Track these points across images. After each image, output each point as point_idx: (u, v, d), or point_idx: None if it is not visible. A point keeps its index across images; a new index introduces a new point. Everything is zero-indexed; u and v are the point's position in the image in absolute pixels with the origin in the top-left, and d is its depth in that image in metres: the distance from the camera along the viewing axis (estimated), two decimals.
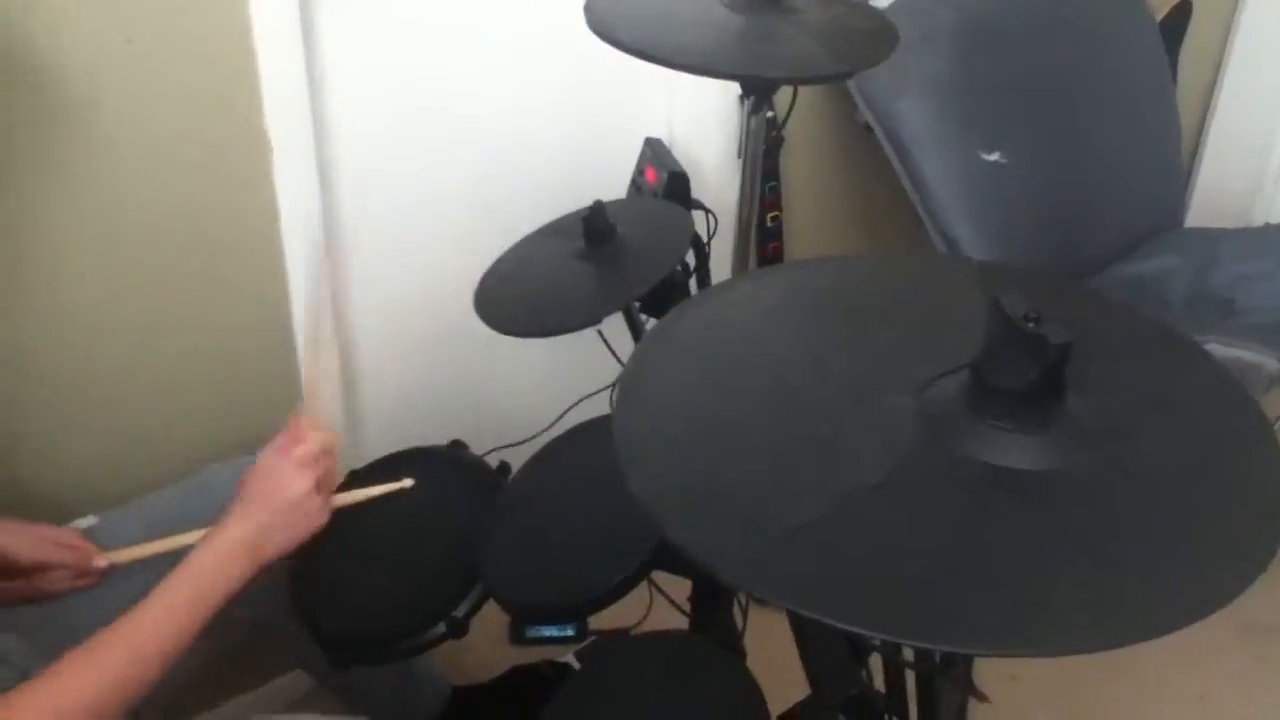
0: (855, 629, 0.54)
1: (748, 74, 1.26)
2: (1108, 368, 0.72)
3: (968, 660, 0.75)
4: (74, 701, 0.96)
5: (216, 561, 1.09)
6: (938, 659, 0.76)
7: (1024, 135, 2.09)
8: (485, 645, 1.88)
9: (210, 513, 1.19)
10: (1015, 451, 0.65)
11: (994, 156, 2.04)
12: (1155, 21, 2.40)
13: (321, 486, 1.19)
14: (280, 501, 1.15)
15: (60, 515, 1.32)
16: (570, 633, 1.93)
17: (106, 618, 1.11)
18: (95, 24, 1.32)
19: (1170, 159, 2.36)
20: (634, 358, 0.79)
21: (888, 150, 2.01)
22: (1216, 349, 1.66)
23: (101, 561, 1.26)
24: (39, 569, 1.23)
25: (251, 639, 1.38)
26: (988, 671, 1.78)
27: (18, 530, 1.23)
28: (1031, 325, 0.63)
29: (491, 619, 1.90)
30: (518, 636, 1.94)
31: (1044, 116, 2.14)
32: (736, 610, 1.50)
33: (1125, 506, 0.63)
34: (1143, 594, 0.58)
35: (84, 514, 1.34)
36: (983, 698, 0.80)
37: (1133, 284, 2.17)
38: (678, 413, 0.73)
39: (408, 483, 1.38)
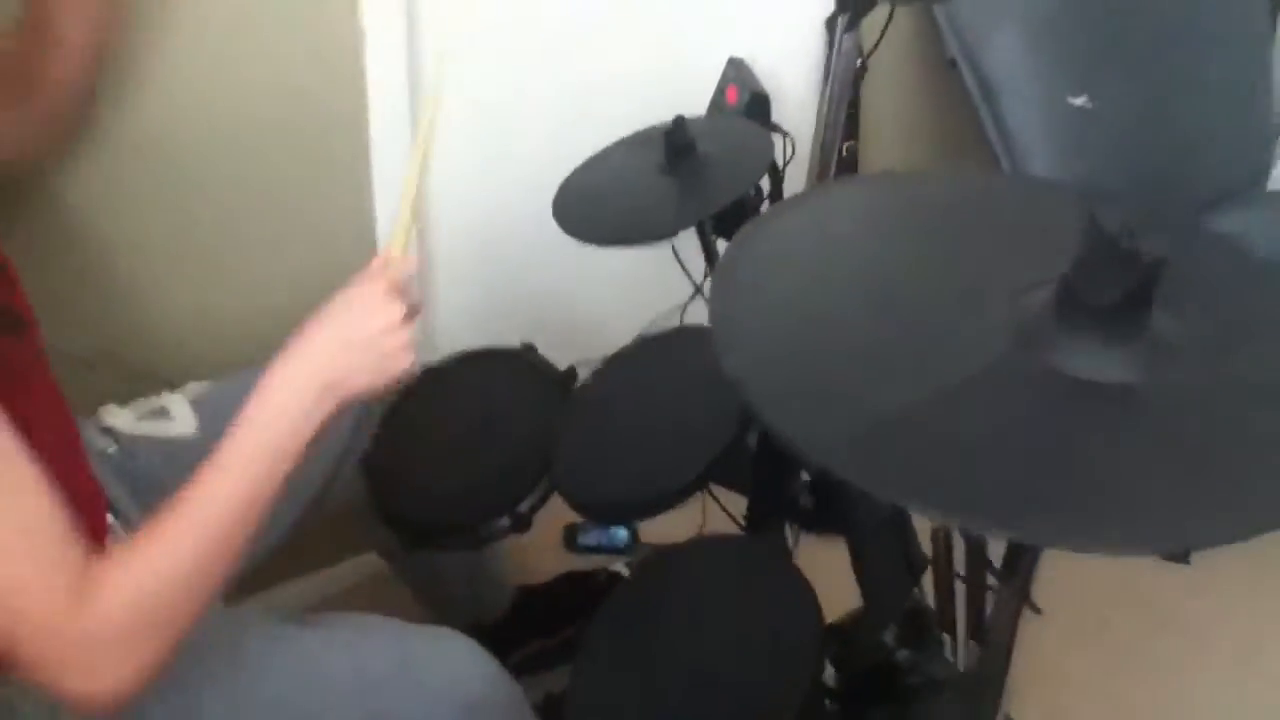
0: (940, 516, 0.56)
1: None
2: (1199, 293, 0.73)
3: (1028, 571, 0.77)
4: (149, 576, 0.88)
5: (294, 409, 0.97)
6: (996, 569, 0.79)
7: (1113, 80, 2.05)
8: (541, 551, 1.94)
9: None
10: (1100, 363, 0.66)
11: (1080, 100, 2.01)
12: None
13: (407, 319, 1.04)
14: (369, 329, 1.01)
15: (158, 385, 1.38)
16: (622, 544, 1.98)
17: None
18: None
19: (1261, 117, 2.31)
20: (731, 247, 0.81)
21: (971, 88, 1.99)
22: None
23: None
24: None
25: (328, 521, 1.43)
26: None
27: None
28: (1126, 241, 0.65)
29: (549, 527, 1.97)
30: (571, 545, 2.00)
31: (1135, 62, 2.10)
32: (788, 533, 1.53)
33: (1206, 419, 0.65)
34: (1224, 498, 0.59)
35: (184, 383, 1.39)
36: (1037, 609, 0.82)
37: (1216, 235, 2.14)
38: (772, 302, 0.75)
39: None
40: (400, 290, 1.04)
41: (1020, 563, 0.76)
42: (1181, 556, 2.06)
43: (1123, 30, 2.07)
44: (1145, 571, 2.04)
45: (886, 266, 0.79)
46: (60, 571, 0.83)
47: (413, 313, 1.04)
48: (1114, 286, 0.65)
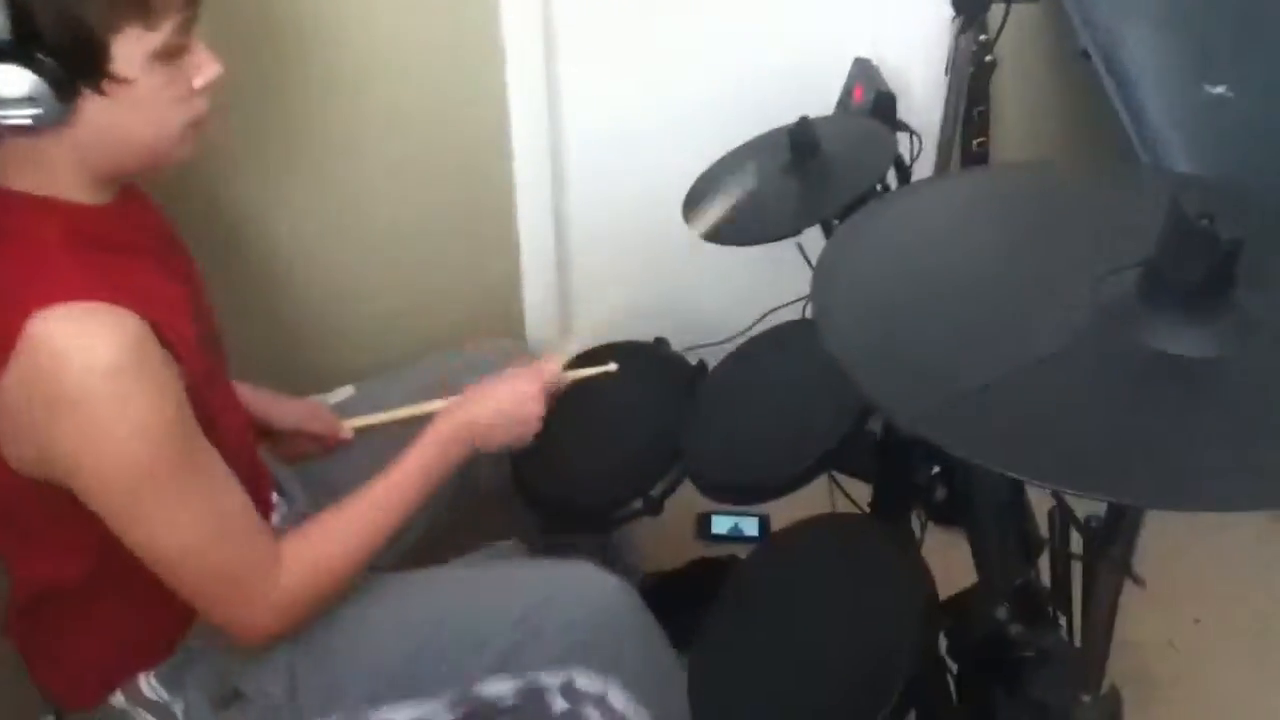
0: (1024, 477, 0.61)
1: None
2: None
3: (1128, 542, 0.81)
4: (323, 558, 1.12)
5: (445, 441, 1.26)
6: (1098, 539, 0.82)
7: (1254, 69, 1.99)
8: (674, 541, 2.01)
9: (459, 384, 1.37)
10: (1182, 339, 0.70)
11: (1220, 90, 1.97)
12: None
13: (542, 415, 1.37)
14: (511, 404, 1.33)
15: (321, 385, 1.52)
16: (753, 531, 2.04)
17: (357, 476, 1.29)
18: None
19: None
20: (834, 238, 0.87)
21: (1104, 78, 1.97)
22: None
23: (347, 432, 1.45)
24: (294, 435, 1.42)
25: (478, 505, 1.54)
26: (1172, 614, 1.78)
27: (273, 401, 1.42)
28: (1205, 223, 0.68)
29: (682, 516, 2.04)
30: (704, 533, 2.06)
31: (1276, 51, 2.04)
32: (915, 524, 1.57)
33: None
34: None
35: (342, 384, 1.54)
36: (1140, 581, 0.85)
37: None
38: (872, 286, 0.81)
39: (612, 367, 1.51)
40: (550, 391, 1.39)
41: (1117, 533, 0.80)
42: None
43: (1262, 17, 2.02)
44: None
45: (980, 254, 0.84)
46: (256, 549, 1.08)
47: (548, 407, 1.38)
48: (1195, 267, 0.69)
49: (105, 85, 0.93)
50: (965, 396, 0.68)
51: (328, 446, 1.45)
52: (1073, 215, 0.87)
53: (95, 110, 0.94)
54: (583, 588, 1.23)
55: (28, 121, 0.90)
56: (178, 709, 1.14)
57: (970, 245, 0.85)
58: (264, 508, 1.24)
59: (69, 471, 0.96)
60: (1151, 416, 0.68)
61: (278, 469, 1.35)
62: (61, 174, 0.99)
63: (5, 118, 0.90)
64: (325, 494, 1.34)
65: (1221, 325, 0.71)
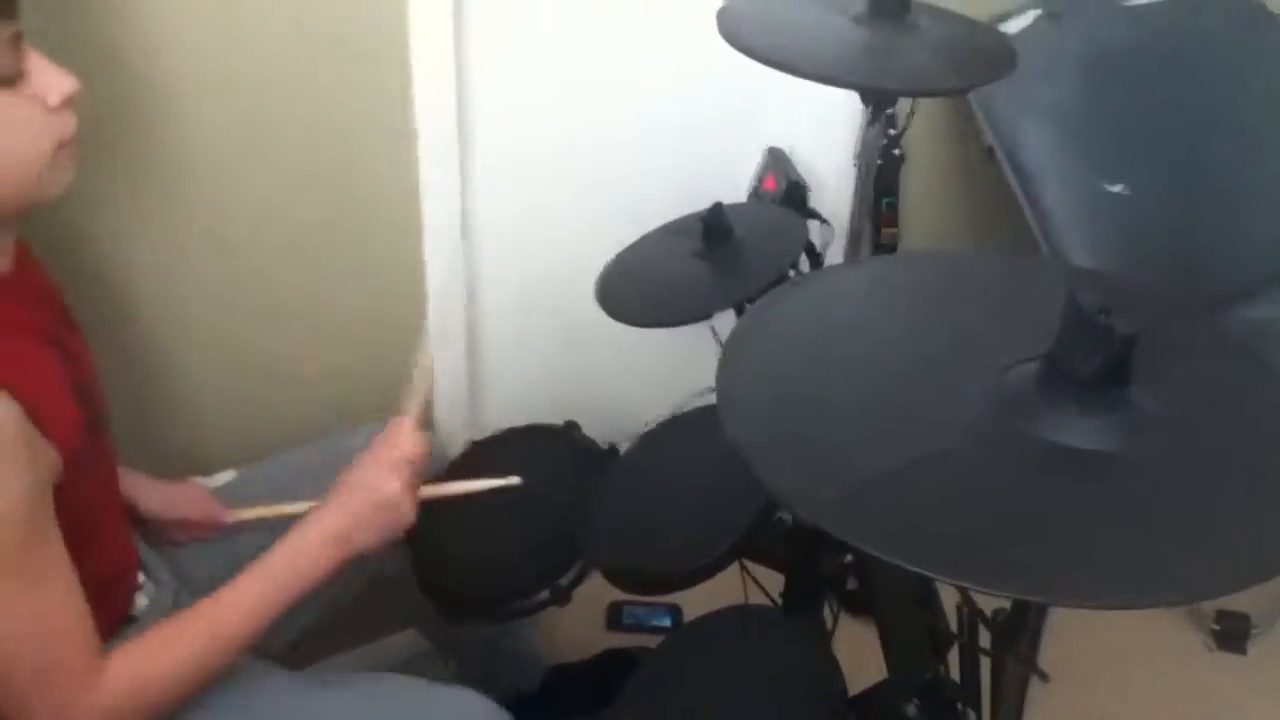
0: (925, 571, 0.60)
1: (866, 84, 1.32)
2: (1178, 367, 0.77)
3: (1034, 636, 0.80)
4: (153, 671, 1.05)
5: (307, 549, 1.16)
6: (1005, 634, 0.81)
7: (1149, 168, 2.09)
8: (583, 630, 1.97)
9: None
10: (1079, 432, 0.70)
11: (1117, 188, 2.04)
12: None
13: (410, 487, 1.24)
14: (369, 501, 1.21)
15: (204, 469, 1.46)
16: (665, 622, 2.00)
17: (216, 568, 1.24)
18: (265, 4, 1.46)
19: None
20: (741, 323, 0.86)
21: (1008, 175, 2.03)
22: None
23: (229, 519, 1.38)
24: (171, 524, 1.35)
25: (369, 593, 1.48)
26: (1079, 711, 1.78)
27: (151, 487, 1.35)
28: (1101, 317, 0.69)
29: (591, 605, 2.00)
30: (615, 622, 2.02)
31: (1170, 149, 2.13)
32: (827, 614, 1.55)
33: (1177, 488, 0.68)
34: (1187, 562, 0.63)
35: (224, 468, 1.47)
36: (1044, 677, 0.84)
37: (1249, 327, 2.14)
38: (774, 373, 0.80)
39: (514, 480, 1.40)
40: (402, 465, 1.23)
41: (1023, 627, 0.79)
42: (1238, 648, 2.04)
43: (1156, 118, 2.11)
44: (1203, 665, 2.01)
45: (884, 342, 0.83)
46: (79, 656, 1.00)
47: (414, 482, 1.24)
48: (1092, 360, 0.69)
49: None
50: (863, 487, 0.67)
51: (204, 535, 1.38)
52: (978, 305, 0.88)
53: None
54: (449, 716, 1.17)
55: None
56: None
57: (875, 333, 0.85)
58: (127, 592, 1.19)
59: None
60: (1050, 510, 0.67)
61: (144, 551, 1.28)
62: None
63: None
64: (186, 580, 1.29)
65: (1118, 419, 0.71)
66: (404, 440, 1.25)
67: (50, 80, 0.96)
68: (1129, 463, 0.69)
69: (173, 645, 1.07)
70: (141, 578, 1.22)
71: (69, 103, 0.97)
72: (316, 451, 1.49)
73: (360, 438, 1.46)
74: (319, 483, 1.31)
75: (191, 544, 1.37)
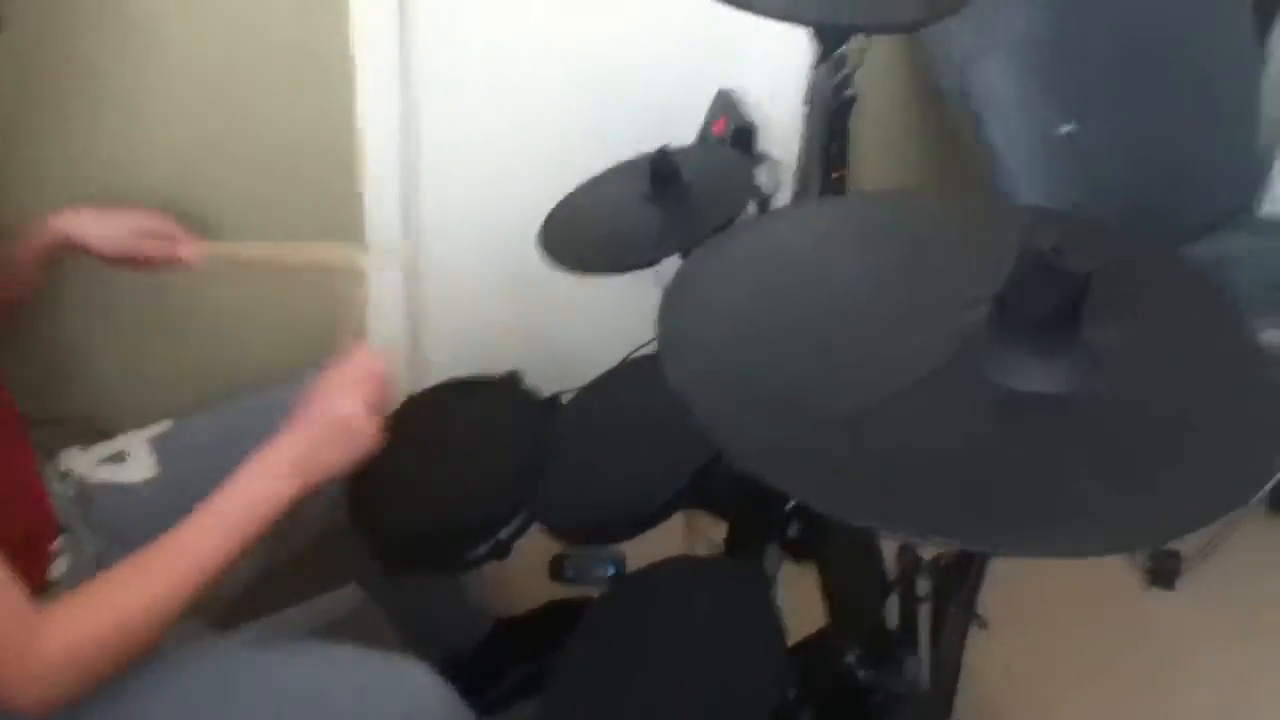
0: (873, 525, 0.57)
1: (821, 20, 1.27)
2: (1135, 307, 0.74)
3: (975, 585, 0.78)
4: (107, 621, 0.98)
5: (263, 481, 1.10)
6: (947, 582, 0.79)
7: (1101, 107, 2.07)
8: (527, 581, 1.94)
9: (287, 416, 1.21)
10: (1035, 375, 0.67)
11: (1069, 128, 2.03)
12: None
13: (371, 408, 1.18)
14: (326, 420, 1.15)
15: (141, 420, 1.40)
16: (609, 572, 1.98)
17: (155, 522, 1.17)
18: None
19: (1248, 143, 2.32)
20: (686, 265, 0.82)
21: (960, 115, 2.01)
22: (1274, 335, 1.65)
23: (189, 253, 1.32)
24: (123, 259, 1.29)
25: (310, 548, 1.44)
26: (1013, 642, 1.80)
27: (96, 220, 1.28)
28: (1054, 255, 0.66)
29: (534, 555, 1.97)
30: (558, 574, 1.99)
31: (1123, 91, 2.11)
32: (772, 560, 1.54)
33: (1134, 427, 0.66)
34: (1148, 505, 0.60)
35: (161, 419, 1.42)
36: (983, 624, 0.82)
37: (1204, 263, 2.14)
38: (722, 317, 0.76)
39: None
40: (360, 381, 1.18)
41: (965, 575, 0.77)
42: (1167, 582, 2.07)
43: (1110, 60, 2.09)
44: (1136, 602, 2.04)
45: (833, 285, 0.80)
46: (9, 620, 0.94)
47: (376, 402, 1.19)
48: (1044, 300, 0.66)
49: None
50: (811, 437, 0.64)
51: (167, 260, 1.32)
52: (931, 246, 0.84)
53: None
54: (407, 703, 1.11)
55: None
56: None
57: (825, 276, 0.82)
58: (42, 558, 1.14)
59: None
60: (1002, 455, 0.64)
61: (65, 511, 1.23)
62: None
63: None
64: (119, 539, 1.24)
65: (1072, 359, 0.68)
66: (356, 361, 1.21)
67: None
68: (1085, 404, 0.66)
69: (116, 598, 1.00)
70: (59, 543, 1.17)
71: None
72: (254, 402, 1.44)
73: (299, 389, 1.42)
74: (258, 433, 1.24)
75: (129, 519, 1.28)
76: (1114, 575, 2.11)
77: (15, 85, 1.35)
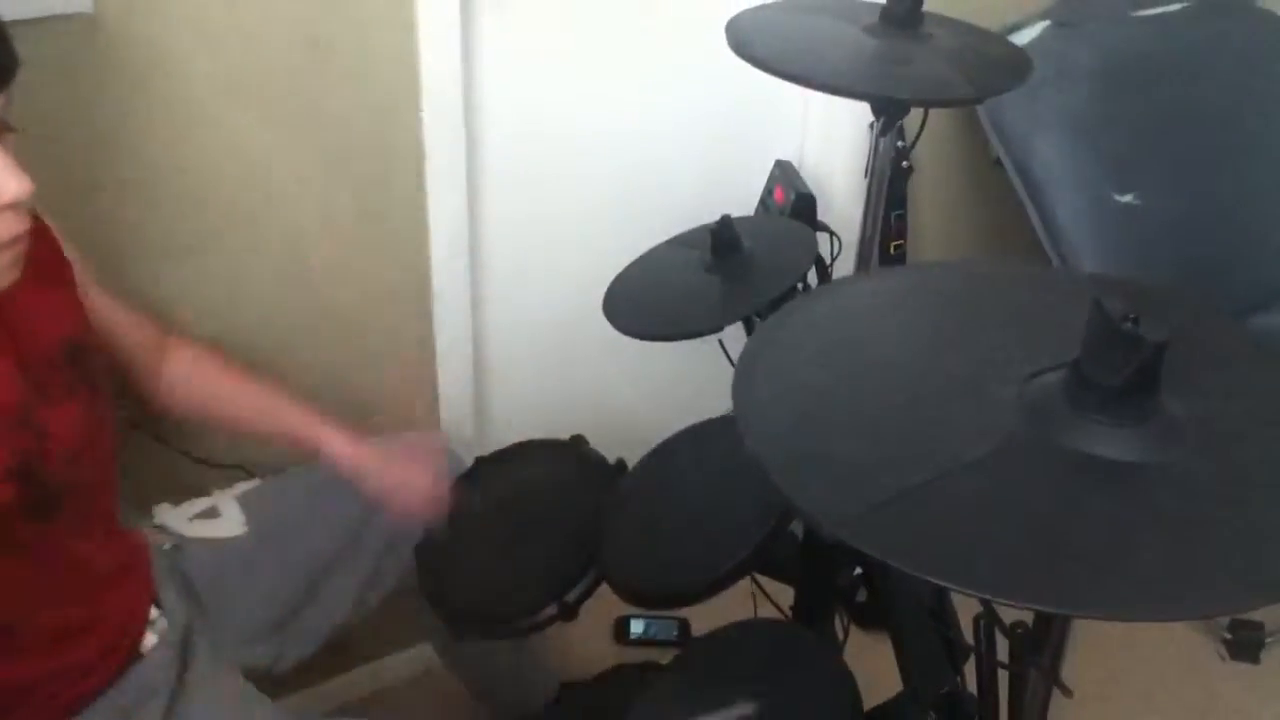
0: (950, 584, 0.59)
1: (878, 94, 1.31)
2: (1207, 375, 0.76)
3: (1057, 649, 0.78)
4: None
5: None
6: (1026, 646, 0.80)
7: (1161, 177, 2.07)
8: (593, 645, 1.95)
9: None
10: (1108, 443, 0.68)
11: (1128, 198, 2.03)
12: None
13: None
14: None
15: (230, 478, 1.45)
16: (672, 636, 1.98)
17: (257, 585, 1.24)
18: (284, 27, 1.45)
19: None
20: (756, 335, 0.85)
21: (1017, 186, 2.02)
22: None
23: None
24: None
25: (385, 608, 1.47)
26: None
27: (374, 460, 1.34)
28: (1129, 325, 0.67)
29: (600, 620, 1.98)
30: (623, 637, 2.00)
31: (1183, 159, 2.12)
32: (838, 626, 1.53)
33: (1208, 497, 0.67)
34: (1219, 574, 0.61)
35: (249, 479, 1.46)
36: (1067, 692, 0.82)
37: (1266, 335, 2.13)
38: (793, 386, 0.78)
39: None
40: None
41: (1046, 640, 0.77)
42: (1252, 657, 2.02)
43: (1168, 127, 2.10)
44: (1217, 674, 2.00)
45: (903, 352, 0.82)
46: None
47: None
48: (1120, 369, 0.68)
49: None
50: (889, 501, 0.66)
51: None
52: (996, 315, 0.86)
53: None
54: None
55: None
56: None
57: (893, 344, 0.84)
58: (135, 635, 1.17)
59: None
60: (1078, 521, 0.66)
61: (159, 569, 1.27)
62: None
63: None
64: (206, 600, 1.28)
65: (1147, 428, 0.69)
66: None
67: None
68: (1159, 472, 0.67)
69: None
70: (154, 613, 1.21)
71: (14, 206, 0.91)
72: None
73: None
74: (341, 491, 1.34)
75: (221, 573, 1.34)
76: (1195, 646, 2.07)
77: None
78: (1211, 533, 0.64)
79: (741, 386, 0.77)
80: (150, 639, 1.18)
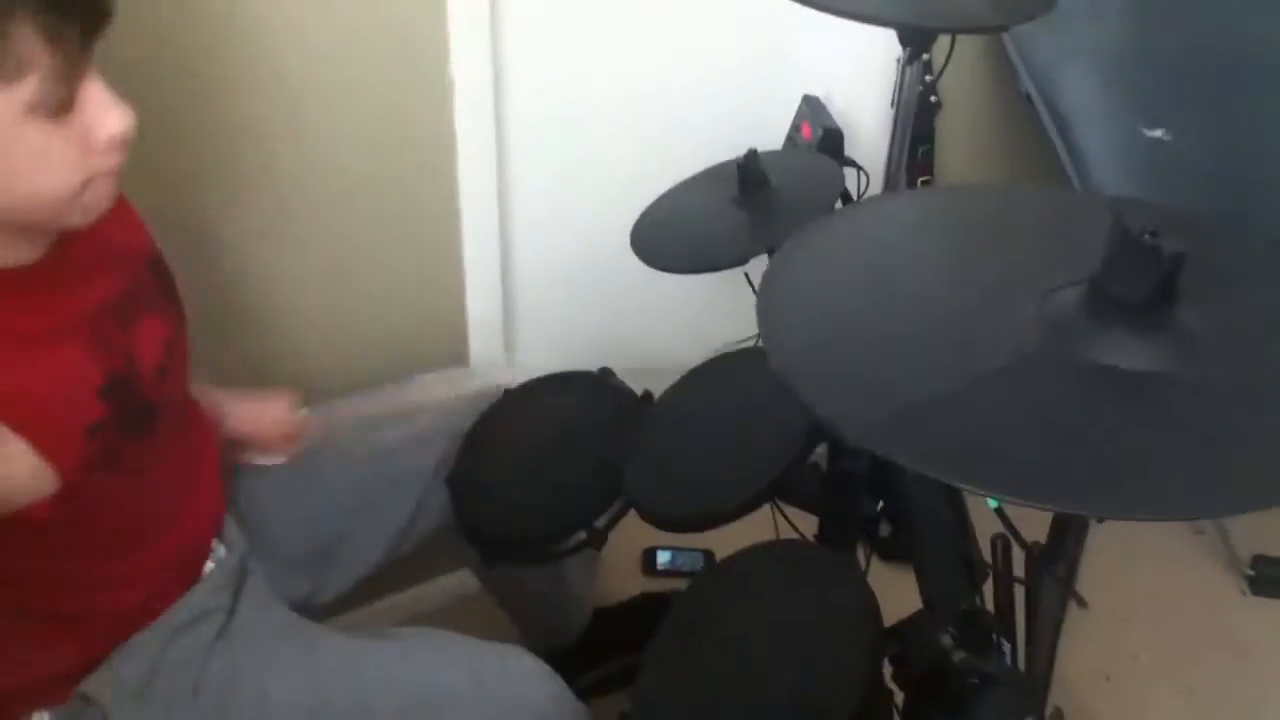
0: (970, 487, 0.61)
1: (905, 21, 1.31)
2: (1225, 290, 0.77)
3: (1073, 560, 0.80)
4: None
5: None
6: (1043, 558, 0.82)
7: (1191, 112, 2.05)
8: (619, 576, 1.99)
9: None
10: (1127, 353, 0.70)
11: (1157, 133, 2.01)
12: None
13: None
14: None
15: None
16: (698, 566, 2.02)
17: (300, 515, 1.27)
18: None
19: None
20: (780, 254, 0.86)
21: (1045, 121, 2.01)
22: None
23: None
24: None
25: (428, 537, 1.51)
26: (1111, 650, 1.80)
27: (248, 411, 1.37)
28: (1148, 237, 0.69)
29: (628, 550, 2.02)
30: (650, 568, 2.04)
31: (1215, 94, 2.09)
32: (860, 558, 1.56)
33: (1224, 406, 0.68)
34: (1235, 475, 0.63)
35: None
36: (1082, 603, 0.84)
37: None
38: (817, 302, 0.80)
39: None
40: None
41: (1061, 551, 0.79)
42: (1273, 592, 2.04)
43: (1201, 61, 2.07)
44: (1237, 609, 2.02)
45: (925, 270, 0.84)
46: None
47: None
48: (1139, 282, 0.69)
49: None
50: (912, 409, 0.68)
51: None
52: (1017, 235, 0.87)
53: None
54: (516, 691, 1.18)
55: None
56: None
57: (916, 262, 0.85)
58: (201, 559, 1.21)
59: None
60: (1096, 428, 0.67)
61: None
62: None
63: None
64: (258, 534, 1.32)
65: (1164, 340, 0.71)
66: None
67: (103, 118, 0.90)
68: (1175, 381, 0.69)
69: None
70: (214, 543, 1.24)
71: (118, 141, 0.92)
72: (368, 399, 1.52)
73: (414, 388, 1.50)
74: (376, 425, 1.40)
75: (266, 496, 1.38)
76: (1217, 581, 2.08)
77: None
78: (1226, 438, 0.66)
79: (766, 303, 0.79)
80: (210, 564, 1.22)
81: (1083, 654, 1.74)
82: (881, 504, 1.50)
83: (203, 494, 1.24)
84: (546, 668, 1.21)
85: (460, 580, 1.83)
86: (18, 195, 0.89)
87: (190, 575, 1.19)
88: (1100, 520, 0.76)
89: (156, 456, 1.12)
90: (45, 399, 0.95)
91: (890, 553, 1.71)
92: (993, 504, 0.84)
